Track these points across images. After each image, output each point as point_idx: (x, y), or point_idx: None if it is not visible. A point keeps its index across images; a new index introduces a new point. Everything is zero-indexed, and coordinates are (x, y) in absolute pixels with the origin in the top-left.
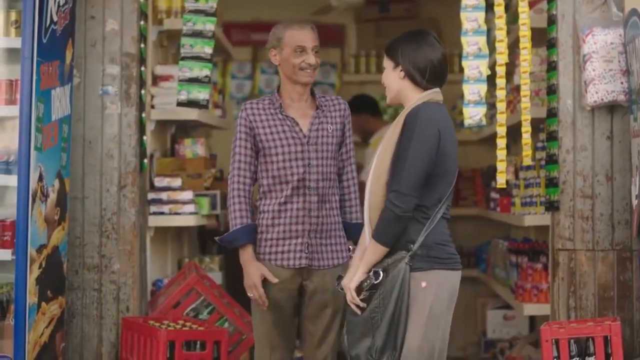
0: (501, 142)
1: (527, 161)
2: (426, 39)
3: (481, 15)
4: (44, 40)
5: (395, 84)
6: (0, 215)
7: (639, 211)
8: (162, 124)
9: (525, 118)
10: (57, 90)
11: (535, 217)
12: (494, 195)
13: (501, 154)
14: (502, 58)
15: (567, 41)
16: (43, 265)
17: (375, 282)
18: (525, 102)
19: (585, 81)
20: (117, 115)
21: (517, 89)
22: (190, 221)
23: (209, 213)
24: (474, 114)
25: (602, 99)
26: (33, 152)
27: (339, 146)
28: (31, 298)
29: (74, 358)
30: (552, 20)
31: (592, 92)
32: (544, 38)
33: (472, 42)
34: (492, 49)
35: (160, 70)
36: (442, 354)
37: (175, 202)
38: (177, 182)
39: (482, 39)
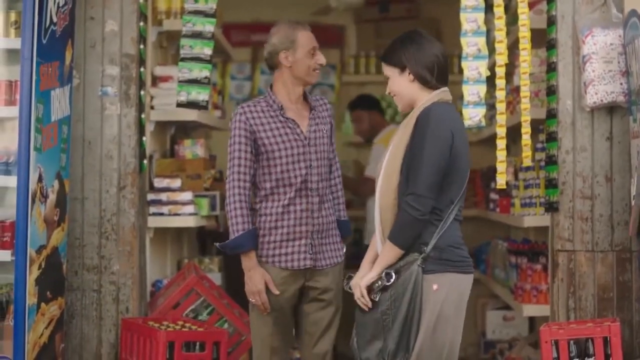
0: (501, 143)
1: (527, 162)
2: (423, 37)
3: (481, 16)
4: (44, 41)
5: (405, 88)
6: None
7: (637, 211)
8: (161, 125)
9: (525, 119)
10: (57, 91)
11: (534, 218)
12: (493, 196)
13: (501, 154)
14: (501, 59)
15: (567, 42)
16: (42, 266)
17: (387, 284)
18: (524, 103)
19: (584, 82)
20: (116, 116)
21: (517, 89)
22: (189, 222)
23: (209, 214)
24: (473, 115)
25: (602, 100)
26: (33, 153)
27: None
28: (31, 299)
29: (74, 359)
30: (551, 21)
31: (592, 93)
32: (543, 39)
33: (471, 43)
34: (491, 49)
35: (160, 71)
36: (451, 358)
37: (175, 203)
38: (176, 183)
39: (482, 40)
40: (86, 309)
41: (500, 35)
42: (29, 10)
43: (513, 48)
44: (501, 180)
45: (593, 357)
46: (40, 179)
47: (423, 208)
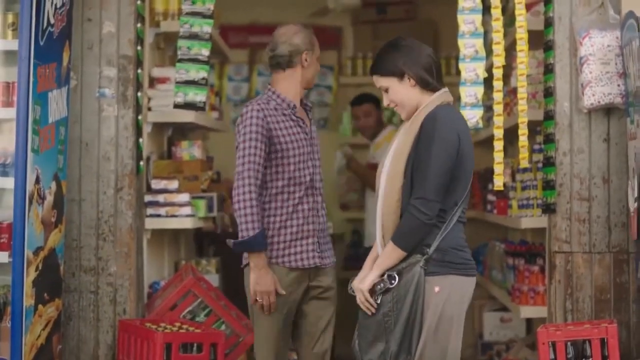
0: (498, 145)
1: (524, 163)
2: (410, 41)
3: (478, 17)
4: (41, 43)
5: (407, 95)
6: None
7: (639, 214)
8: (158, 127)
9: (522, 120)
10: (54, 93)
11: (532, 220)
12: (490, 197)
13: (498, 156)
14: (499, 60)
15: (564, 44)
16: (40, 267)
17: (390, 287)
18: (522, 105)
19: (582, 84)
20: (113, 118)
21: (514, 91)
22: (187, 223)
23: (206, 215)
24: (470, 117)
25: (599, 102)
26: (30, 155)
27: None
28: (28, 300)
29: None
30: (549, 23)
31: (589, 94)
32: (540, 40)
33: (469, 45)
34: (489, 51)
35: (157, 72)
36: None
37: (172, 204)
38: (173, 184)
39: (479, 42)
40: (83, 310)
41: (497, 36)
42: (26, 11)
43: (510, 50)
44: (498, 182)
45: (590, 359)
46: (37, 181)
47: (431, 212)
